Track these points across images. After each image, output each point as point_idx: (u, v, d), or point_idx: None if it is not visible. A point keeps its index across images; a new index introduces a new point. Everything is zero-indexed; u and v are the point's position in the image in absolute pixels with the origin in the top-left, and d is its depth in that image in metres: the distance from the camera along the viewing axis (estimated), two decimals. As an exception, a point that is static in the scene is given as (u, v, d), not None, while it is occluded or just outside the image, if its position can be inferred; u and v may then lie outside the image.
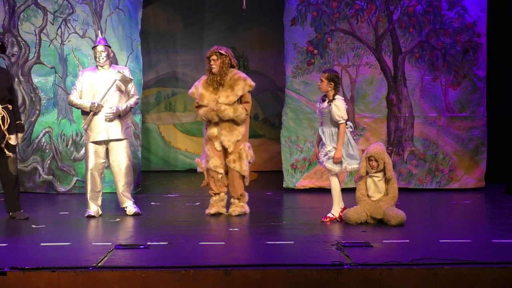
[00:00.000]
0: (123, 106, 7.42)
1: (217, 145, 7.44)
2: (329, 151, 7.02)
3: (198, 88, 7.48)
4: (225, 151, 7.45)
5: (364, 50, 9.48)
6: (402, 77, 9.51)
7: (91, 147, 7.41)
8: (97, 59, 7.44)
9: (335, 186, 7.08)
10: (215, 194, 7.57)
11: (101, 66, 7.45)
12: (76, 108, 7.55)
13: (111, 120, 7.34)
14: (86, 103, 7.34)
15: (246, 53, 12.27)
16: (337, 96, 7.02)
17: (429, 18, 9.47)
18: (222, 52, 7.38)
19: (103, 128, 7.37)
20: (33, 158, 9.43)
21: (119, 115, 7.39)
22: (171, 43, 12.23)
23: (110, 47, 7.59)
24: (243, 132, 7.45)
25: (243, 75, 7.47)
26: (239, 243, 6.18)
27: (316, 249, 5.74)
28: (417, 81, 9.51)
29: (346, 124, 7.00)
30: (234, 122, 7.39)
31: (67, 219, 7.37)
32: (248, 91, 7.44)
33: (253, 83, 7.45)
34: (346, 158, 6.98)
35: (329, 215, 7.09)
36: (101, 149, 7.43)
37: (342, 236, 6.28)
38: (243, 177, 7.50)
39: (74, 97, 7.42)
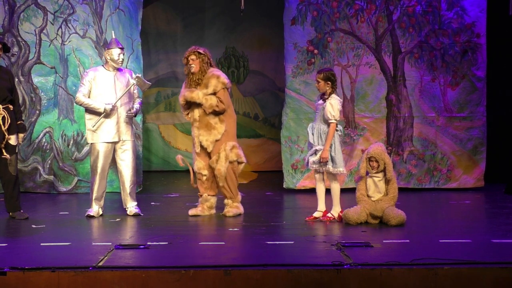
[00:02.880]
0: (138, 106, 7.53)
1: (196, 147, 7.42)
2: (316, 150, 7.01)
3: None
4: (207, 152, 7.42)
5: (364, 50, 9.48)
6: (402, 77, 9.52)
7: (101, 147, 7.39)
8: (115, 62, 7.40)
9: (336, 190, 7.06)
10: (200, 195, 7.56)
11: (114, 68, 7.45)
12: (85, 107, 7.44)
13: (126, 120, 7.40)
14: (98, 104, 7.31)
15: (246, 53, 12.28)
16: (334, 95, 7.00)
17: (429, 18, 9.48)
18: (201, 51, 7.35)
19: (115, 129, 7.37)
20: (33, 158, 9.43)
21: (135, 115, 7.56)
22: (171, 43, 12.23)
23: (123, 48, 7.60)
24: (222, 132, 7.34)
25: (217, 72, 7.38)
26: (239, 243, 6.18)
27: (316, 249, 5.74)
28: (416, 81, 9.52)
29: (337, 127, 6.97)
30: (211, 120, 7.30)
31: (67, 219, 7.37)
32: (223, 89, 7.32)
33: (226, 81, 7.34)
34: (329, 160, 6.95)
35: (328, 215, 7.09)
36: (110, 149, 7.42)
37: (342, 236, 6.28)
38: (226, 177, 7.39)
39: (83, 97, 7.37)
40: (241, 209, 7.49)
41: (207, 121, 7.33)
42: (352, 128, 9.48)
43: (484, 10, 9.47)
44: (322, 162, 6.95)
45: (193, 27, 12.21)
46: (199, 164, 7.44)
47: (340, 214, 7.04)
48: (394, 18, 9.48)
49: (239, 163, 7.48)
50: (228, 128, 7.40)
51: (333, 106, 6.92)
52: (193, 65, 7.32)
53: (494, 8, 9.64)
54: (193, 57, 7.33)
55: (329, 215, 7.08)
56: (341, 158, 7.00)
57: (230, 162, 7.37)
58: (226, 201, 7.50)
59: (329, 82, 7.00)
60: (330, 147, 6.94)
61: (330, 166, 6.96)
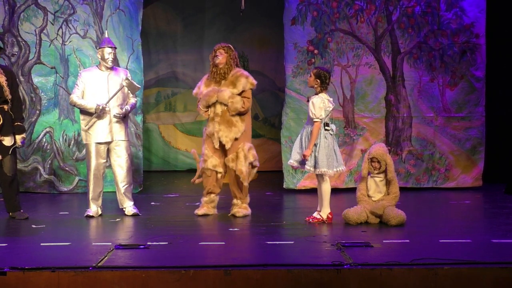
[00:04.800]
0: (128, 107, 7.49)
1: (215, 142, 7.36)
2: (298, 152, 7.00)
3: (201, 87, 7.47)
4: (224, 150, 7.41)
5: (363, 50, 9.49)
6: (401, 78, 9.53)
7: (94, 147, 7.40)
8: (105, 61, 7.43)
9: (325, 191, 6.98)
10: (207, 194, 7.50)
11: (107, 68, 7.46)
12: (78, 108, 7.52)
13: (119, 120, 7.38)
14: (90, 104, 7.34)
15: (246, 53, 12.27)
16: (321, 94, 6.95)
17: (428, 19, 9.49)
18: (231, 47, 7.41)
19: (107, 129, 7.38)
20: (33, 158, 9.43)
21: (124, 116, 7.46)
22: (171, 43, 12.24)
23: (116, 48, 7.61)
24: (242, 131, 7.34)
25: (245, 73, 7.43)
26: (239, 243, 6.18)
27: (316, 249, 5.75)
28: (415, 82, 9.54)
29: (328, 127, 6.94)
30: (232, 117, 7.29)
31: (67, 219, 7.38)
32: (250, 89, 7.37)
33: (255, 82, 7.40)
34: (311, 159, 6.89)
35: (317, 216, 7.03)
36: (103, 149, 7.44)
37: (342, 236, 6.28)
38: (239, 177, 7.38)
39: (76, 97, 7.41)
40: (249, 211, 7.48)
41: (229, 117, 7.30)
42: (351, 128, 9.49)
43: (484, 10, 9.48)
44: (304, 160, 6.92)
45: (193, 27, 12.22)
46: (215, 162, 7.37)
47: (330, 215, 7.01)
48: (393, 18, 9.49)
49: (253, 166, 7.45)
50: (247, 129, 7.41)
51: (315, 104, 6.86)
52: (219, 57, 7.31)
53: (494, 8, 9.64)
54: (221, 50, 7.34)
55: (318, 216, 7.03)
56: (325, 159, 6.85)
57: (249, 163, 7.38)
58: (235, 201, 7.46)
59: (318, 80, 6.93)
60: (315, 145, 6.89)
61: (311, 167, 6.93)
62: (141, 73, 9.50)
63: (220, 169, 7.40)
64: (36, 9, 9.39)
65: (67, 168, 9.43)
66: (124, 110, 7.42)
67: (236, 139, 7.32)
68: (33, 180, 9.46)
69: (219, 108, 7.31)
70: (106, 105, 7.31)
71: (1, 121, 7.13)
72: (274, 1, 10.83)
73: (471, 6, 9.48)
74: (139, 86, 7.65)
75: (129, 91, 7.50)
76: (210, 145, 7.40)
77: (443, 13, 9.48)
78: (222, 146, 7.35)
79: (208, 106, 7.35)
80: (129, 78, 7.47)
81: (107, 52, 7.43)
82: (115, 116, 7.37)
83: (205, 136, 7.49)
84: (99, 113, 7.31)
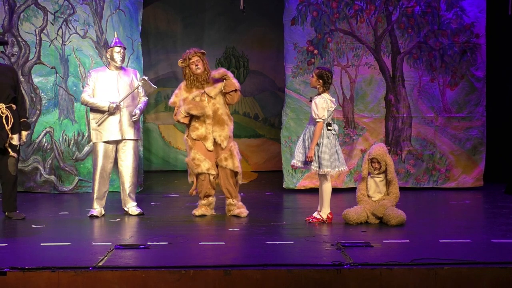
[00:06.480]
0: (141, 106, 7.54)
1: (208, 144, 7.35)
2: (300, 152, 7.02)
3: (180, 95, 7.45)
4: (216, 151, 7.40)
5: (363, 50, 9.50)
6: (401, 78, 9.54)
7: (102, 146, 7.40)
8: (115, 60, 7.45)
9: (326, 191, 6.99)
10: (205, 197, 7.50)
11: (116, 67, 7.47)
12: (90, 107, 7.48)
13: (129, 119, 7.41)
14: (102, 102, 7.35)
15: (246, 53, 12.28)
16: (323, 95, 6.96)
17: (428, 19, 9.49)
18: (204, 52, 7.44)
19: (117, 128, 7.39)
20: (33, 158, 9.43)
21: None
22: (171, 43, 12.24)
23: (125, 48, 7.63)
24: (232, 129, 7.43)
25: None
26: (239, 243, 6.18)
27: (316, 249, 5.75)
28: (415, 82, 9.54)
29: (330, 127, 6.94)
30: (223, 117, 7.33)
31: (67, 219, 7.38)
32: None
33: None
34: (315, 160, 6.90)
35: (317, 216, 7.03)
36: (111, 149, 7.44)
37: (342, 236, 6.28)
38: (235, 174, 7.41)
39: (87, 96, 7.42)
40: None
41: (220, 116, 7.34)
42: (351, 128, 9.50)
43: (484, 10, 9.49)
44: (308, 161, 6.92)
45: (193, 27, 12.22)
46: (208, 165, 7.36)
47: (330, 215, 7.01)
48: (393, 18, 9.49)
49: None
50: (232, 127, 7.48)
51: (317, 105, 6.87)
52: (199, 66, 7.34)
53: (494, 8, 9.65)
54: (197, 58, 7.36)
55: (317, 216, 7.03)
56: (328, 159, 6.85)
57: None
58: (232, 201, 7.45)
59: (321, 80, 6.94)
60: (318, 145, 6.90)
61: (314, 167, 6.92)
62: (141, 73, 9.50)
63: (213, 171, 7.39)
64: (36, 9, 9.40)
65: (67, 168, 9.44)
66: (139, 111, 7.48)
67: (229, 137, 7.37)
68: (34, 180, 9.46)
69: (209, 110, 7.32)
70: (120, 103, 7.33)
71: (13, 120, 7.14)
72: (274, 1, 10.84)
73: (471, 6, 9.48)
74: (155, 87, 7.70)
75: (148, 92, 7.56)
76: (201, 148, 7.38)
77: (443, 13, 9.48)
78: (218, 145, 7.35)
79: (189, 114, 7.34)
80: (146, 78, 7.52)
81: (116, 51, 7.46)
82: (132, 117, 7.40)
83: (188, 143, 7.41)
84: (112, 111, 7.33)
